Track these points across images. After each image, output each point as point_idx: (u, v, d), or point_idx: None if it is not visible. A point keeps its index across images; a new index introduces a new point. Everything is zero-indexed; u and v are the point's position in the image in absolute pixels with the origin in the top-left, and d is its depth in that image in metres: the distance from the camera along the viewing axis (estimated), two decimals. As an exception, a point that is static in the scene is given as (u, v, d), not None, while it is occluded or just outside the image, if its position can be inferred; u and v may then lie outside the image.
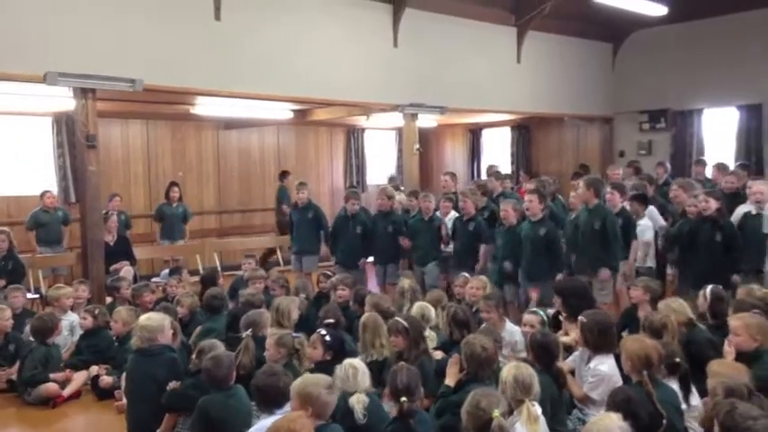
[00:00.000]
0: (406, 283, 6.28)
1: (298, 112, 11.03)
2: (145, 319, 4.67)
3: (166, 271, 8.59)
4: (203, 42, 8.02)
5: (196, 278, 8.15)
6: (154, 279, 9.04)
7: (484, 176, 12.09)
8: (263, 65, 8.49)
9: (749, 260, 6.34)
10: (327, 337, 4.39)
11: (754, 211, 6.45)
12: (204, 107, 9.88)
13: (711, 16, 11.50)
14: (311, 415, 3.22)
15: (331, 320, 5.15)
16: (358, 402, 3.66)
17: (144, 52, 7.49)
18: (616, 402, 3.33)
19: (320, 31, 9.08)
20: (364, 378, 3.81)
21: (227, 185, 12.43)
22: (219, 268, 9.33)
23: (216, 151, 12.28)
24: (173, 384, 4.34)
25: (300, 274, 8.23)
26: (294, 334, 4.87)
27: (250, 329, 4.71)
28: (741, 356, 4.11)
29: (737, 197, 7.27)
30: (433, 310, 5.44)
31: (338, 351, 4.29)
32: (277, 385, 3.50)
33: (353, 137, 14.09)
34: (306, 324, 5.59)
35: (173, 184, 10.30)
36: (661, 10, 9.71)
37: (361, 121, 12.83)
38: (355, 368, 3.81)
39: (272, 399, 3.51)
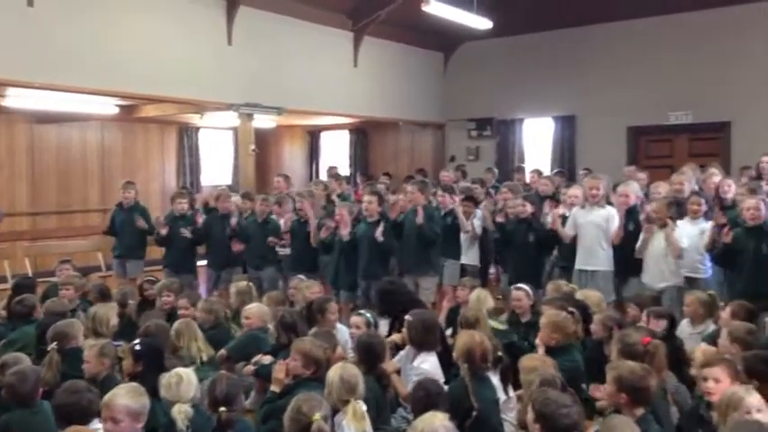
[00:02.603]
0: (243, 283, 6.13)
1: (124, 107, 10.40)
2: (-69, 332, 4.15)
3: (-33, 278, 7.74)
4: (13, 29, 7.33)
5: (4, 286, 7.40)
6: (-48, 288, 8.09)
7: (323, 178, 12.14)
8: (81, 56, 7.90)
9: (565, 258, 6.84)
10: (137, 347, 4.15)
11: (568, 214, 6.97)
12: (15, 99, 9.01)
13: (532, 32, 12.34)
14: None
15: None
16: (179, 413, 3.47)
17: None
18: (416, 398, 3.47)
19: (147, 24, 8.63)
20: (189, 388, 3.61)
21: (43, 184, 11.43)
22: (31, 274, 8.54)
23: (30, 147, 11.25)
24: (-35, 405, 3.88)
25: (124, 279, 7.76)
26: (114, 343, 4.57)
27: (55, 342, 4.33)
28: (550, 351, 4.43)
29: (551, 200, 7.84)
30: (268, 313, 5.33)
31: (151, 361, 4.04)
32: (80, 403, 3.24)
33: (187, 135, 13.55)
34: (129, 333, 5.26)
35: (-29, 182, 9.30)
36: (486, 24, 10.26)
37: (194, 119, 12.37)
38: (180, 377, 3.62)
39: (75, 418, 3.24)
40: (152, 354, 4.09)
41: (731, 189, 6.89)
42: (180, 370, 3.72)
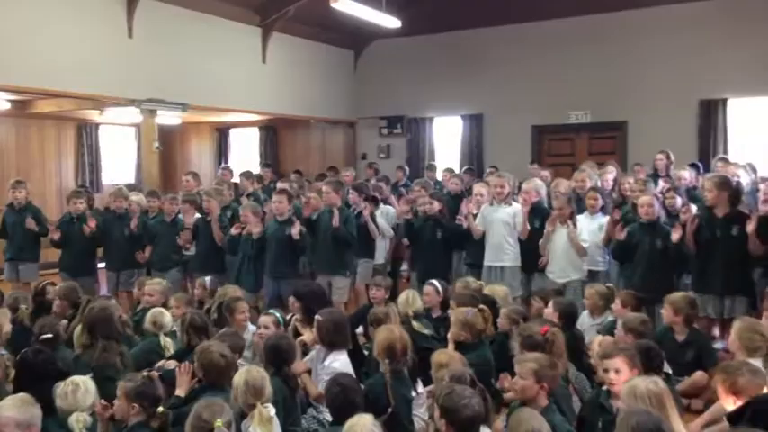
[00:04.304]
0: (165, 282, 5.99)
1: (16, 102, 9.83)
2: None
3: None
4: None
5: None
6: None
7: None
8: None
9: (473, 255, 6.94)
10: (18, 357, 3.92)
11: (474, 211, 7.09)
12: None
13: (440, 32, 12.52)
14: None
15: (48, 335, 4.62)
16: (77, 422, 3.38)
17: None
18: (331, 394, 3.48)
19: (40, 14, 8.16)
20: (86, 396, 3.51)
21: (-73, 184, 10.65)
22: None
23: None
24: None
25: (17, 283, 7.33)
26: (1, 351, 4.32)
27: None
28: (460, 346, 4.51)
29: (462, 198, 7.97)
30: (167, 315, 5.17)
31: (43, 371, 3.81)
32: None
33: (86, 132, 12.96)
34: (22, 340, 4.96)
35: None
36: (395, 23, 10.32)
37: (94, 115, 11.84)
38: (76, 385, 3.52)
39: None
40: (44, 364, 3.84)
41: (629, 186, 7.22)
42: (76, 378, 3.61)
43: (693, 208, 6.13)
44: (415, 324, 5.05)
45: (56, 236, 7.23)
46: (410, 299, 5.27)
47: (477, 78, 12.32)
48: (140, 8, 9.26)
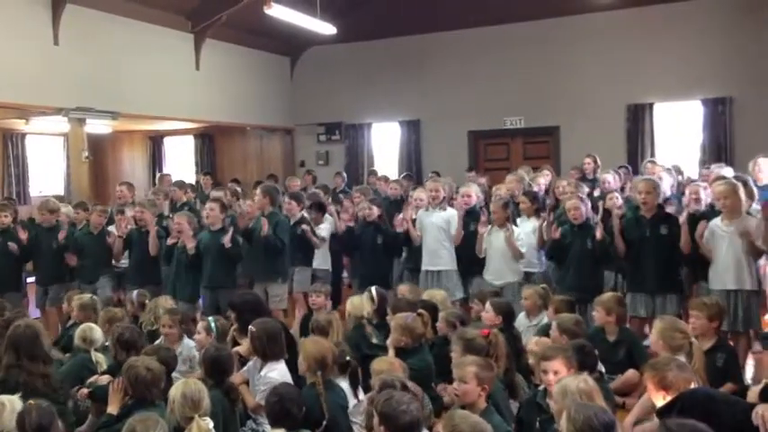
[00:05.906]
0: (86, 296, 5.75)
1: (-64, 112, 9.38)
2: None
3: None
4: None
5: None
6: None
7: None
8: None
9: (414, 260, 6.96)
10: None
11: (414, 216, 7.11)
12: None
13: (377, 38, 12.58)
14: None
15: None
16: None
17: None
18: (269, 403, 3.46)
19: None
20: (13, 416, 3.34)
21: None
22: None
23: None
24: None
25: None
26: None
27: None
28: (401, 352, 4.52)
29: (402, 203, 8.01)
30: (98, 330, 4.99)
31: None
32: None
33: (12, 142, 12.47)
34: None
35: None
36: (330, 29, 10.31)
37: (20, 125, 11.41)
38: (2, 404, 3.38)
39: None
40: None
41: (562, 188, 7.39)
42: (2, 397, 3.47)
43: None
44: (369, 329, 5.04)
45: None
46: (365, 302, 5.26)
47: (413, 84, 12.43)
48: (66, 14, 8.95)
